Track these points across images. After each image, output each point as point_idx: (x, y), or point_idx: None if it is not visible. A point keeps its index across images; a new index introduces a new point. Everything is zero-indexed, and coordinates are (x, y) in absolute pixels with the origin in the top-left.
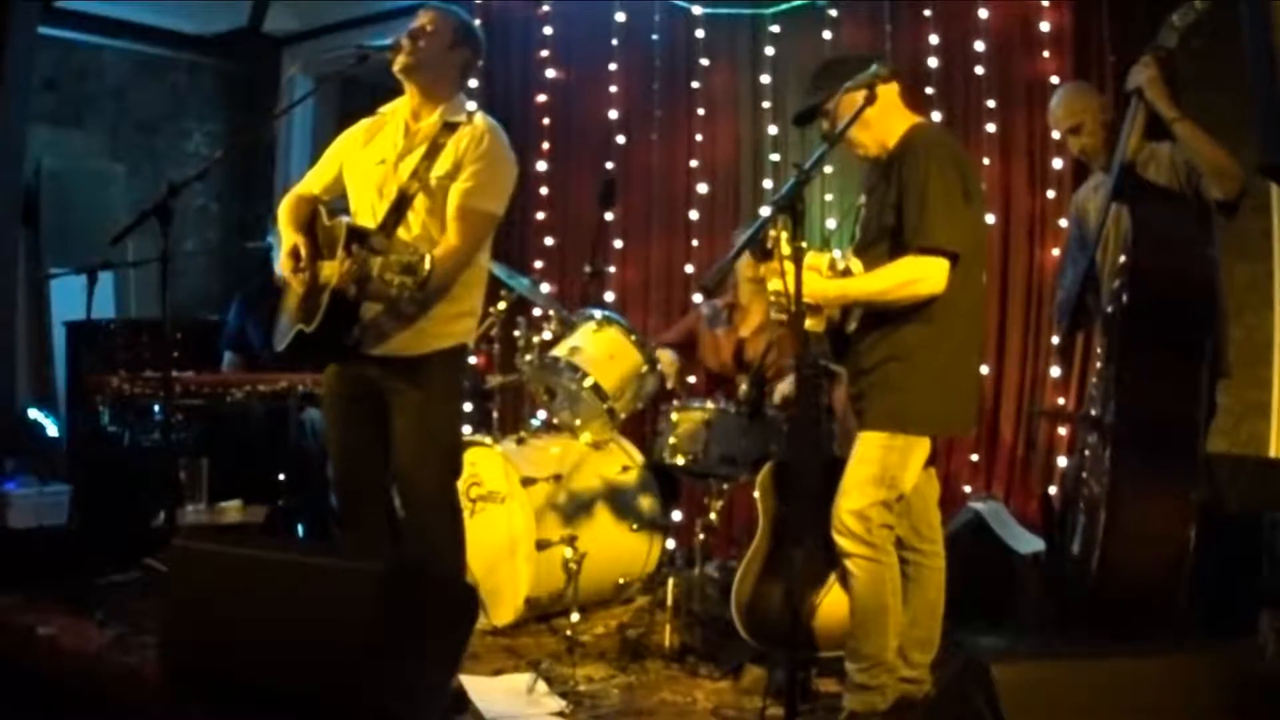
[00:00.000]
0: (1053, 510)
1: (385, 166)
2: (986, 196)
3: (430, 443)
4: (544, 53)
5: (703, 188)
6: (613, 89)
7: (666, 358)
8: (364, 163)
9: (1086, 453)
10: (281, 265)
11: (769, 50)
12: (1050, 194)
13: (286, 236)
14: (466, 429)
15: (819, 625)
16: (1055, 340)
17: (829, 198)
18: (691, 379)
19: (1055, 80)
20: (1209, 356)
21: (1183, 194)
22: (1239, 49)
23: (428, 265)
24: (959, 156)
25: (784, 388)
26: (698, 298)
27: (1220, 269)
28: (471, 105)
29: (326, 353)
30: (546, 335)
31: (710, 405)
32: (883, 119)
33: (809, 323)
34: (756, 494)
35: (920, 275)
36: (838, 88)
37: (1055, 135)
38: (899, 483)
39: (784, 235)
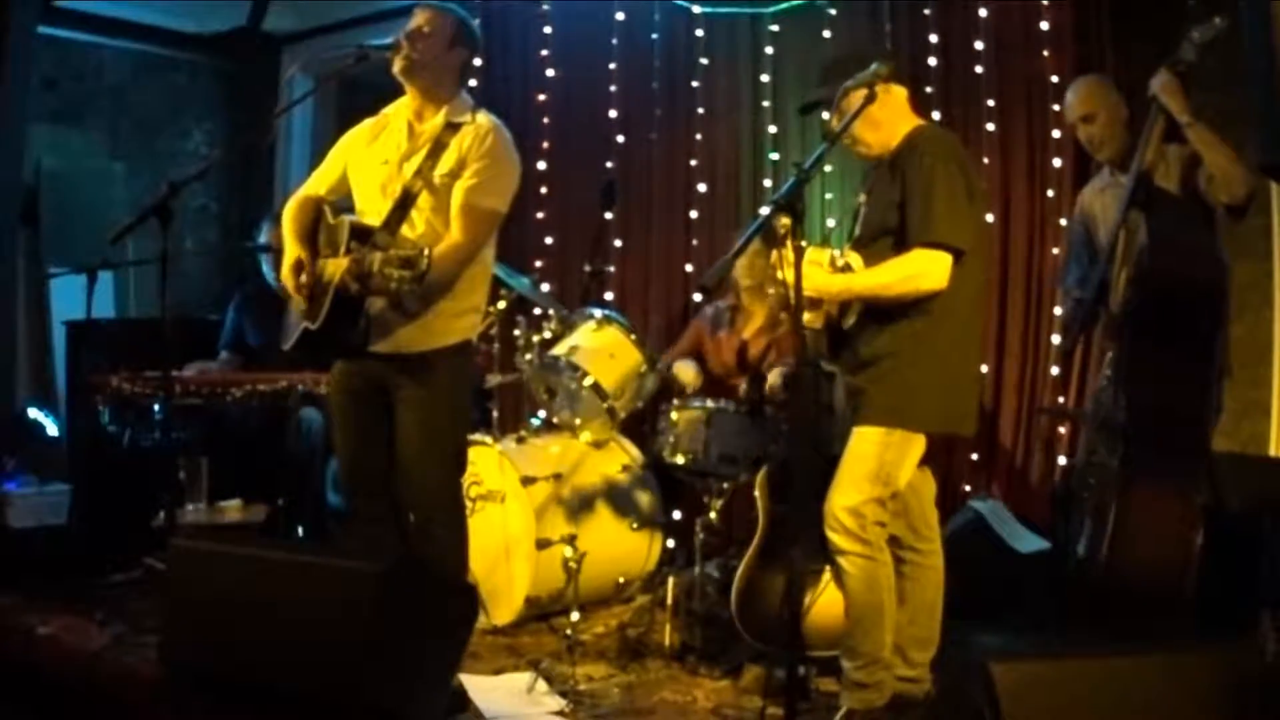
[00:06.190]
0: (1059, 510)
1: (389, 166)
2: (986, 196)
3: (434, 439)
4: (544, 52)
5: (703, 187)
6: (613, 88)
7: (690, 372)
8: (368, 162)
9: (1091, 454)
10: (284, 279)
11: (769, 49)
12: (1050, 193)
13: (289, 249)
14: None
15: (814, 624)
16: (1056, 340)
17: (829, 196)
18: None
19: (1055, 79)
20: (1218, 358)
21: (1190, 196)
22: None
23: (426, 259)
24: (962, 157)
25: (773, 378)
26: (698, 297)
27: (1229, 271)
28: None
29: (332, 349)
30: (546, 334)
31: (710, 404)
32: (891, 120)
33: (807, 317)
34: (756, 493)
35: (923, 270)
36: (844, 85)
37: (1057, 134)
38: (894, 480)
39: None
